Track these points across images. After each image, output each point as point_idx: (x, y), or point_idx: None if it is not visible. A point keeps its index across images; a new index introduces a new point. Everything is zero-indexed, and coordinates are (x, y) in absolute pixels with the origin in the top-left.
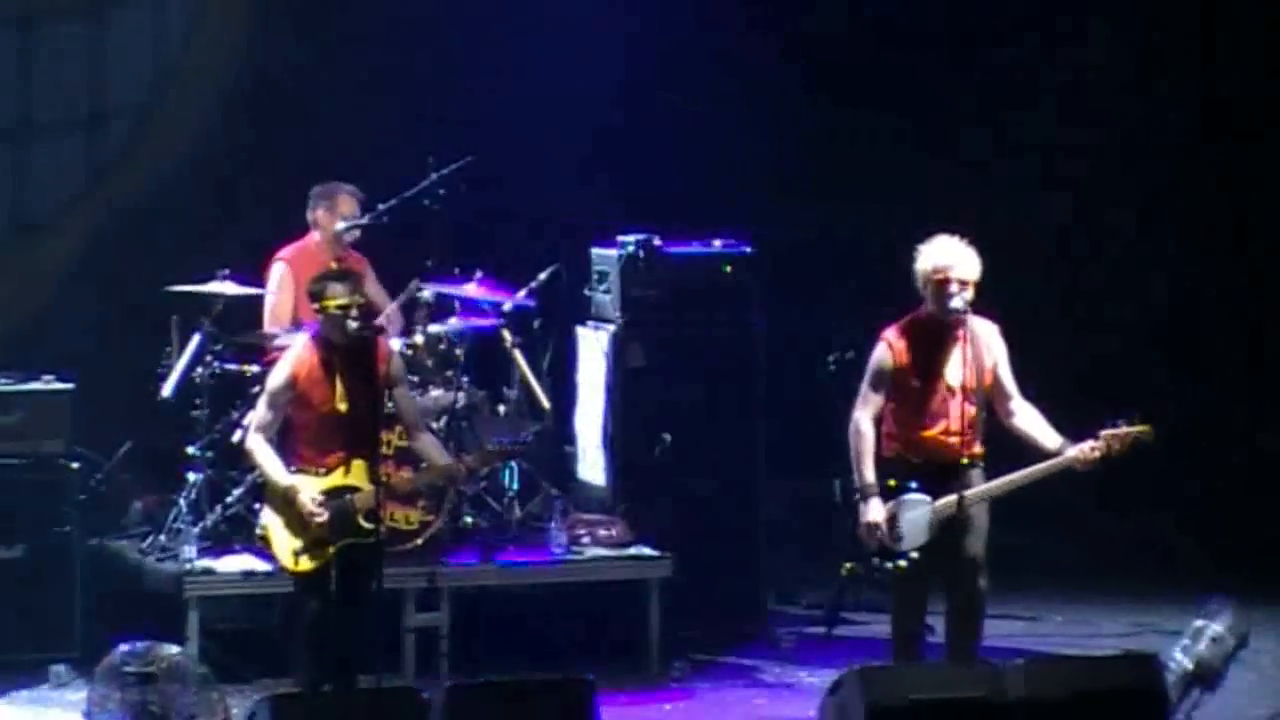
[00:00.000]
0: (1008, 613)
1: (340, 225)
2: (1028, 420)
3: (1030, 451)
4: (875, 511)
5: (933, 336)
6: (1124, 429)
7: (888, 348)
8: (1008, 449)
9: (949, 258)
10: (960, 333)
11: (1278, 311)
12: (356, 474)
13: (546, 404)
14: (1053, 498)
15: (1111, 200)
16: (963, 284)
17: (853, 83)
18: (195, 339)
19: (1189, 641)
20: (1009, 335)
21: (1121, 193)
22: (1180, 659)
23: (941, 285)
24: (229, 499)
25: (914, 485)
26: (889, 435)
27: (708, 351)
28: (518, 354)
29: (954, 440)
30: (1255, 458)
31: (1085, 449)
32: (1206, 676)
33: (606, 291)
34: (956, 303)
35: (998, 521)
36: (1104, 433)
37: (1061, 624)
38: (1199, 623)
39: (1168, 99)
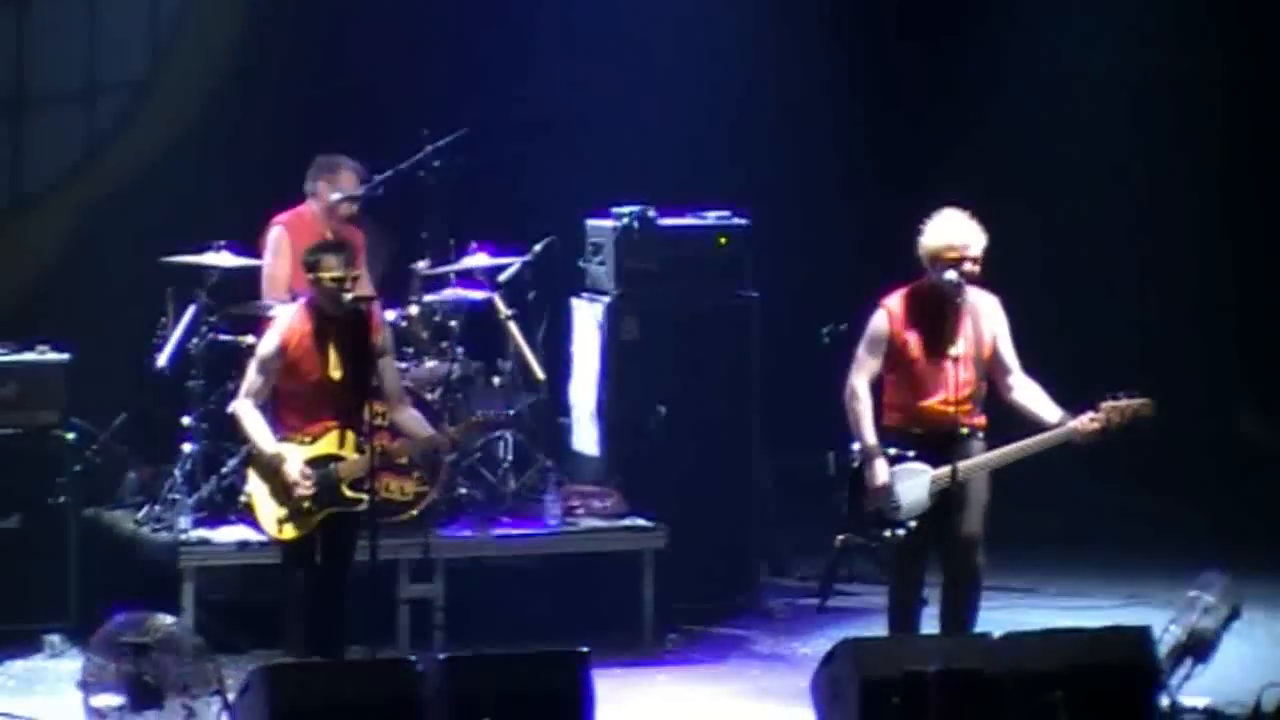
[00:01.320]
0: (1002, 584)
1: (335, 196)
2: (1028, 394)
3: (1031, 426)
4: (882, 473)
5: (934, 308)
6: (1125, 401)
7: (887, 315)
8: (1012, 421)
9: (962, 235)
10: (961, 305)
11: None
12: (345, 443)
13: (541, 375)
14: (1048, 469)
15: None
16: (974, 260)
17: (858, 54)
18: (190, 310)
19: (1181, 613)
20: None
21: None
22: (1173, 630)
23: (950, 261)
24: (224, 470)
25: (912, 454)
26: (888, 405)
27: (702, 324)
28: (512, 325)
29: (953, 410)
30: (1243, 430)
31: (1085, 421)
32: (1199, 648)
33: (601, 263)
34: (962, 278)
35: (993, 493)
36: (1104, 404)
37: (1055, 595)
38: (1192, 593)
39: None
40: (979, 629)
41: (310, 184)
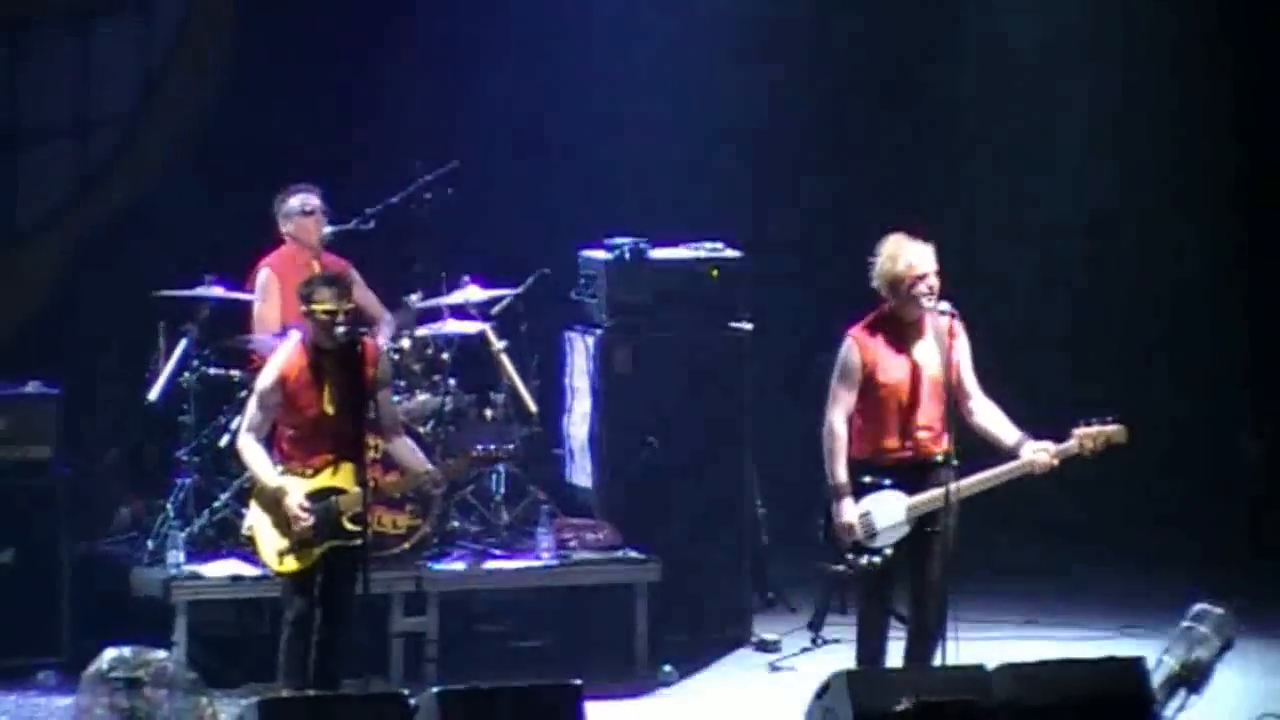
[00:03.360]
0: (996, 616)
1: (327, 230)
2: (987, 417)
3: (989, 448)
4: (849, 512)
5: (900, 333)
6: (1096, 428)
7: (856, 345)
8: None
9: (919, 257)
10: (927, 328)
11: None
12: (344, 476)
13: (534, 408)
14: (1042, 500)
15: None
16: (934, 278)
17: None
18: (182, 344)
19: (1175, 643)
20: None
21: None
22: (1167, 661)
23: (914, 284)
24: (216, 504)
25: (888, 483)
26: (859, 434)
27: (695, 355)
28: (505, 358)
29: (925, 436)
30: (1241, 459)
31: (1042, 456)
32: (1192, 678)
33: (594, 295)
34: (929, 300)
35: (988, 522)
36: (1077, 431)
37: (1049, 627)
38: (1185, 624)
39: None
40: (974, 660)
41: (284, 227)
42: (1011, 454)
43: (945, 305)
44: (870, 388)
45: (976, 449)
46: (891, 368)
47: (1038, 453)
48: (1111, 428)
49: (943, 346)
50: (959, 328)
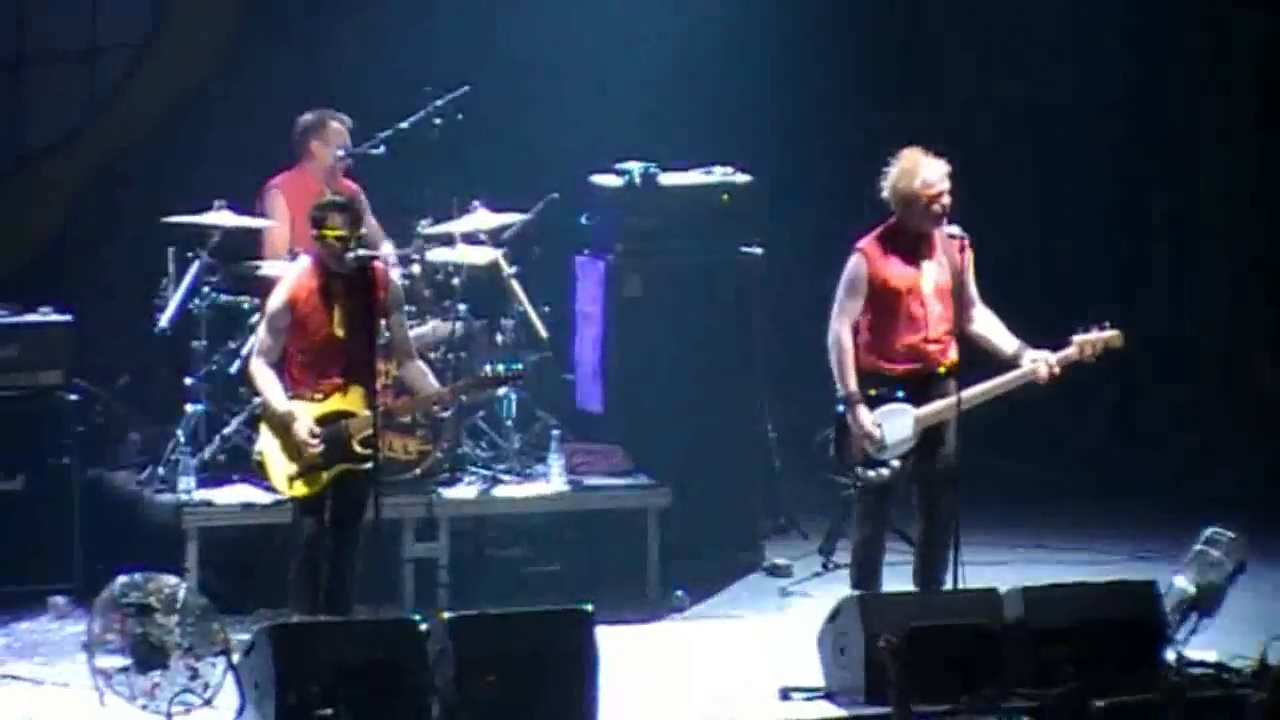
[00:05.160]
0: (1007, 540)
1: (337, 154)
2: (987, 326)
3: (987, 356)
4: (867, 419)
5: (909, 246)
6: (1095, 334)
7: (863, 257)
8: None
9: (935, 173)
10: (936, 243)
11: None
12: (353, 400)
13: (544, 333)
14: (1054, 421)
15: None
16: (948, 195)
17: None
18: (192, 270)
19: (1188, 566)
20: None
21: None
22: (1179, 584)
23: (931, 200)
24: (227, 430)
25: (900, 395)
26: (866, 346)
27: (705, 280)
28: (515, 284)
29: (932, 348)
30: (1259, 389)
31: (1042, 366)
32: (1205, 601)
33: (604, 221)
34: (942, 215)
35: (999, 448)
36: (1075, 338)
37: (1059, 550)
38: (1198, 547)
39: None
40: (987, 584)
41: (300, 146)
42: (1011, 363)
43: (955, 229)
44: (878, 300)
45: (972, 360)
46: (898, 280)
47: (1037, 361)
48: (1109, 333)
49: (951, 262)
50: (964, 239)
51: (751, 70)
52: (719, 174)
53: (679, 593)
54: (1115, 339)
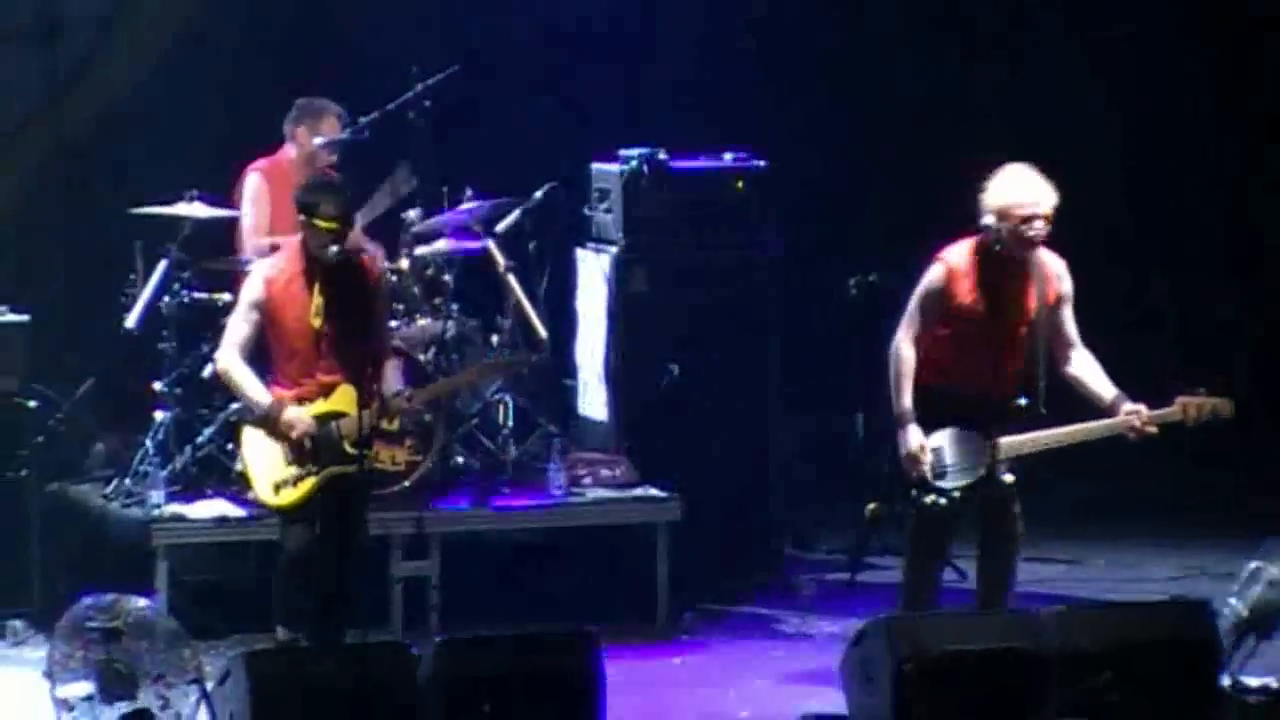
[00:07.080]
0: (1046, 555)
1: (318, 141)
2: (1084, 369)
3: (1083, 401)
4: (914, 440)
5: (998, 267)
6: (1202, 398)
7: (946, 271)
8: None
9: (1034, 192)
10: (1029, 268)
11: None
12: (343, 400)
13: (543, 333)
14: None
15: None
16: (1046, 219)
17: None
18: (161, 266)
19: (1243, 585)
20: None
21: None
22: (1234, 604)
23: (1026, 221)
24: (200, 439)
25: (969, 420)
26: (933, 361)
27: (717, 276)
28: (512, 279)
29: (1006, 383)
30: None
31: (1138, 417)
32: (1262, 623)
33: (608, 211)
34: (1038, 239)
35: (1047, 464)
36: (1180, 399)
37: (1104, 568)
38: (1254, 565)
39: None
40: (1022, 605)
41: (290, 127)
42: (1105, 411)
43: (1055, 259)
44: (955, 319)
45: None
46: (982, 302)
47: (1132, 414)
48: (1217, 400)
49: (1043, 293)
50: (1064, 269)
51: (774, 52)
52: (731, 159)
53: (690, 615)
54: (1225, 407)
